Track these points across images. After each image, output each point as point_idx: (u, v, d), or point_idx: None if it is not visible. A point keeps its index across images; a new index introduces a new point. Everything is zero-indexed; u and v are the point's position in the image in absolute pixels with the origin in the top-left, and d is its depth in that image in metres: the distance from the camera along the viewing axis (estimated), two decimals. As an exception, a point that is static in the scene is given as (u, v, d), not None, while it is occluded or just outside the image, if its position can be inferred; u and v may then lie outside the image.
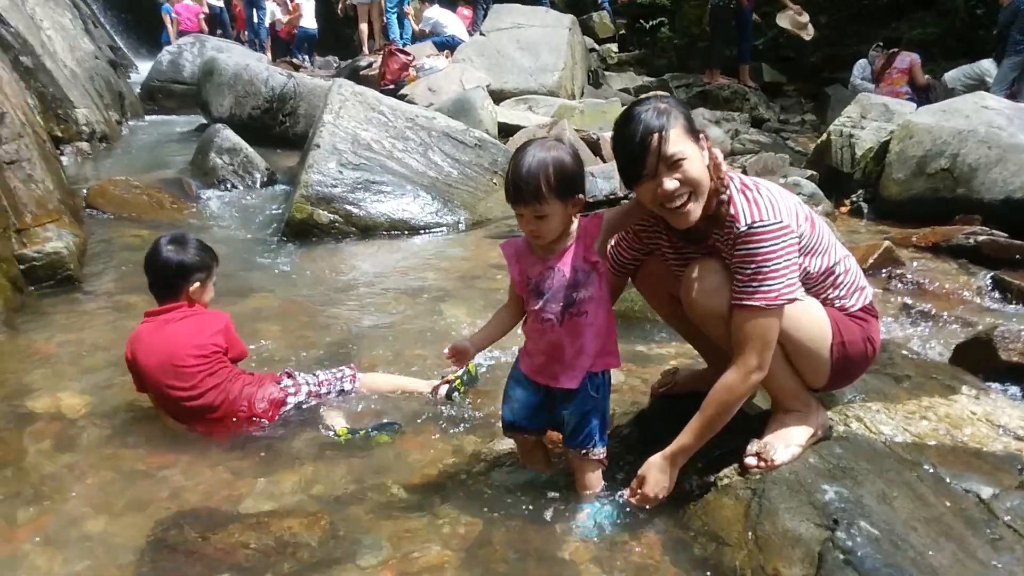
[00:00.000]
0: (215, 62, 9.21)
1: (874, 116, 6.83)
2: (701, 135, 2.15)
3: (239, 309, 3.86)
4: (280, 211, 6.05)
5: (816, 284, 2.29)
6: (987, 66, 10.15)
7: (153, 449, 2.78)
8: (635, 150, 2.07)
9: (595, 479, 2.41)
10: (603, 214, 2.34)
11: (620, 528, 2.28)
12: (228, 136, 7.30)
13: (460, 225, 5.96)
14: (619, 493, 2.35)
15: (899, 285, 4.76)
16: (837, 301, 2.32)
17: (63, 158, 7.41)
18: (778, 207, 2.11)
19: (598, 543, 2.22)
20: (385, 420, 2.90)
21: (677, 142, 2.07)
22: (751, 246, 2.09)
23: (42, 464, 2.66)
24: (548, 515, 2.34)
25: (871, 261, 4.98)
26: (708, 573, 2.09)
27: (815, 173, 6.75)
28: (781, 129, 10.41)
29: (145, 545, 2.24)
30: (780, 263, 2.09)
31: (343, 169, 5.76)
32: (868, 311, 2.37)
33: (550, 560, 2.16)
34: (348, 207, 5.69)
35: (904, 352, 3.45)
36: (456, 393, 3.03)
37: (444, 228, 5.89)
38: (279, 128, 8.84)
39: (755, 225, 2.08)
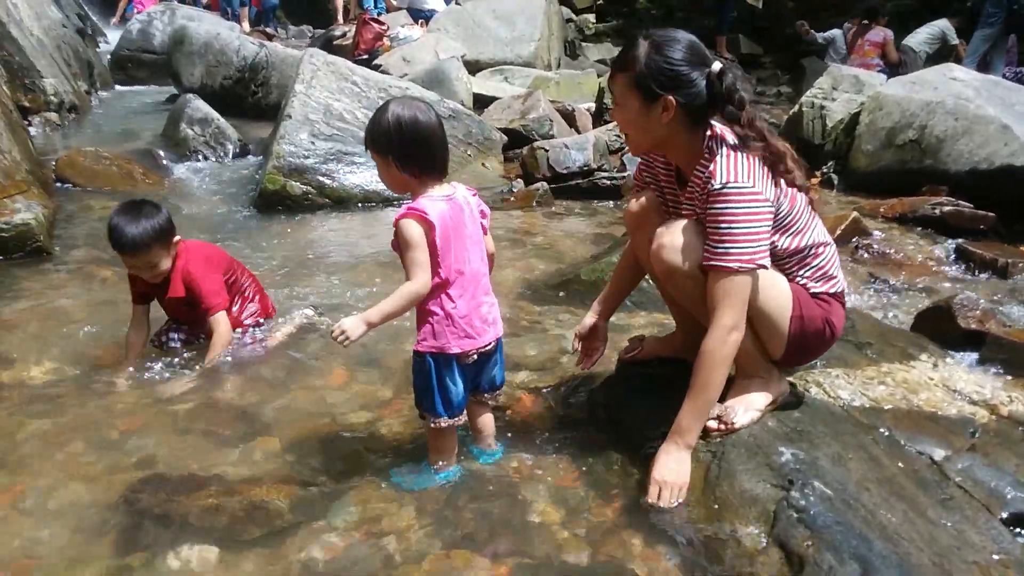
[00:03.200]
0: (185, 31, 9.07)
1: (845, 88, 6.88)
2: (662, 96, 2.16)
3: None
4: (253, 183, 6.02)
5: (782, 261, 2.31)
6: (944, 25, 10.37)
7: (124, 416, 2.79)
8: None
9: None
10: None
11: (587, 494, 2.33)
12: (199, 107, 7.22)
13: (434, 196, 5.94)
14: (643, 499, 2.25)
15: (865, 255, 4.85)
16: (801, 280, 2.35)
17: (31, 128, 7.28)
18: (755, 175, 2.14)
19: (566, 506, 2.28)
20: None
21: (619, 88, 2.24)
22: (721, 205, 2.13)
23: (13, 432, 2.66)
24: (516, 479, 2.40)
25: (839, 232, 5.05)
26: (669, 532, 2.15)
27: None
28: (757, 101, 10.48)
29: (118, 509, 2.26)
30: (751, 227, 2.13)
31: (315, 140, 5.74)
32: (835, 297, 2.40)
33: (519, 522, 2.22)
34: (321, 178, 5.68)
35: (866, 319, 3.55)
36: None
37: (417, 199, 5.86)
38: (251, 99, 8.74)
39: (728, 185, 2.12)
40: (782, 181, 2.22)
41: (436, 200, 2.19)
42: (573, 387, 2.89)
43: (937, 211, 5.32)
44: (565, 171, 6.15)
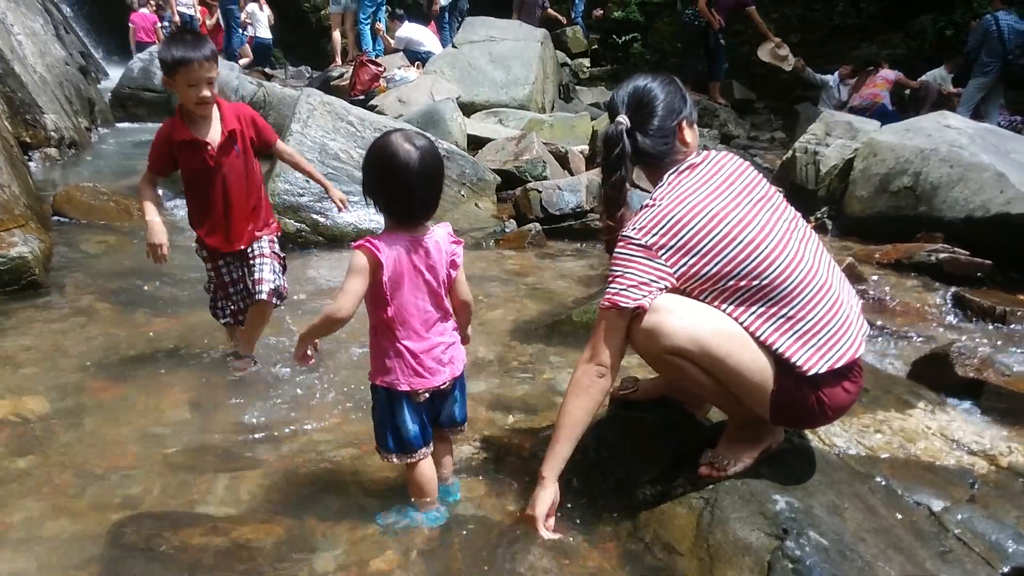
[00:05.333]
0: (186, 69, 9.14)
1: (839, 134, 6.95)
2: None
3: (200, 319, 3.83)
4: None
5: (752, 328, 2.16)
6: (939, 73, 10.61)
7: (113, 451, 2.76)
8: None
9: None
10: None
11: (577, 541, 2.30)
12: (198, 144, 7.25)
13: (427, 236, 5.95)
14: None
15: (860, 300, 4.84)
16: (782, 348, 2.14)
17: (31, 163, 7.33)
18: (647, 226, 2.16)
19: (553, 556, 2.24)
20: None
21: None
22: (616, 247, 2.22)
23: (2, 466, 2.63)
24: (498, 528, 2.36)
25: (833, 277, 5.06)
26: (662, 581, 2.11)
27: (780, 190, 6.83)
28: (750, 146, 10.56)
29: (103, 545, 2.22)
30: (622, 271, 2.18)
31: (310, 179, 5.76)
32: (839, 375, 2.19)
33: (506, 570, 2.17)
34: (315, 216, 5.69)
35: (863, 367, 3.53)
36: None
37: (412, 238, 5.88)
38: (251, 136, 8.78)
39: (623, 233, 2.21)
40: (758, 247, 2.13)
41: (398, 239, 2.19)
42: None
43: (933, 258, 5.32)
44: (558, 212, 6.17)
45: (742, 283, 2.14)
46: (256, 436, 2.88)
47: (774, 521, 2.15)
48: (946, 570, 2.13)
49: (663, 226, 2.14)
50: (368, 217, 5.76)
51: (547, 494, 2.23)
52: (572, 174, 7.71)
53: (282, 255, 3.52)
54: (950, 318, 4.62)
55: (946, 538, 2.27)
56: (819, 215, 6.64)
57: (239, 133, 3.29)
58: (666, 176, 2.27)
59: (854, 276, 5.15)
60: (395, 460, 2.30)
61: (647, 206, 2.21)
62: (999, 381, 3.37)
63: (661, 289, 2.16)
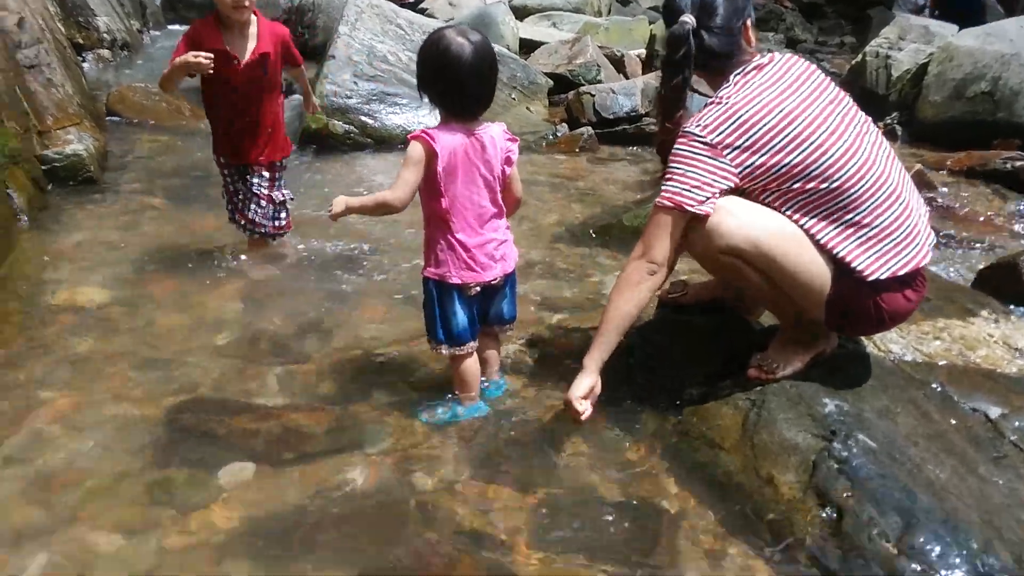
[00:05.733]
0: (235, -29, 9.01)
1: (913, 38, 6.58)
2: None
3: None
4: (297, 121, 6.01)
5: (814, 231, 2.10)
6: None
7: (169, 340, 2.84)
8: None
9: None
10: None
11: (620, 435, 2.30)
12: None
13: (477, 139, 5.87)
14: None
15: (929, 209, 4.66)
16: (844, 252, 2.08)
17: (84, 64, 7.35)
18: (716, 123, 2.05)
19: (596, 447, 2.25)
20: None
21: None
22: (676, 143, 2.11)
23: (63, 351, 2.72)
24: (543, 419, 2.38)
25: (899, 185, 4.88)
26: (703, 476, 2.11)
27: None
28: (817, 50, 10.08)
29: (160, 428, 2.31)
30: (683, 169, 2.07)
31: (358, 80, 5.69)
32: (900, 282, 2.13)
33: (549, 460, 2.20)
34: (363, 118, 5.63)
35: (926, 274, 3.42)
36: None
37: (461, 142, 5.81)
38: (298, 41, 8.67)
39: (685, 129, 2.10)
40: (830, 149, 2.04)
41: (454, 132, 2.16)
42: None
43: (1009, 165, 5.08)
44: (611, 116, 5.99)
45: (809, 185, 2.06)
46: (307, 329, 2.93)
47: (822, 423, 2.11)
48: (999, 474, 2.07)
49: (731, 124, 2.04)
50: (416, 119, 5.68)
51: (586, 379, 2.18)
52: (627, 78, 7.49)
53: (284, 192, 3.52)
54: (1021, 227, 4.42)
55: (1002, 444, 2.21)
56: (889, 120, 6.37)
57: (270, 56, 3.23)
58: (732, 77, 2.15)
59: (923, 183, 4.95)
60: (444, 351, 2.32)
61: (713, 104, 2.10)
62: (1069, 293, 3.25)
63: (723, 190, 2.07)
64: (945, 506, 1.86)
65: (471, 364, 2.37)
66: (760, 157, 2.05)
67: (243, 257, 3.52)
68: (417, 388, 2.54)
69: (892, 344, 2.62)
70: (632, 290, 2.17)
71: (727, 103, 2.07)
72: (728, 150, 2.05)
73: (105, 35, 8.02)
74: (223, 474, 2.11)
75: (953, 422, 2.27)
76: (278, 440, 2.22)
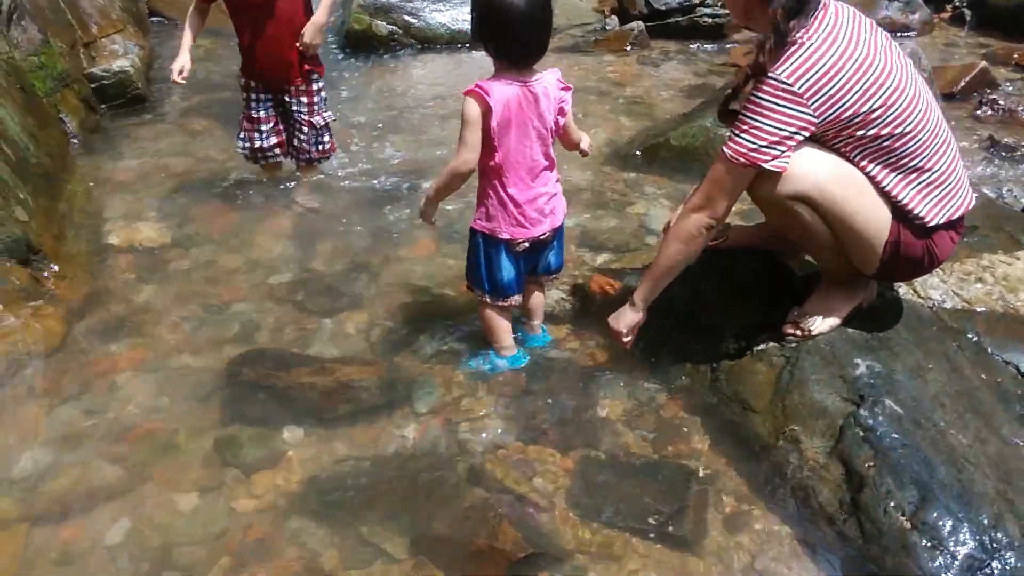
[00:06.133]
0: None
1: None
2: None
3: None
4: (340, 20, 5.91)
5: (881, 182, 2.11)
6: None
7: (226, 283, 2.99)
8: None
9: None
10: None
11: (655, 390, 2.42)
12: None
13: (522, 36, 5.72)
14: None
15: (988, 111, 4.50)
16: (907, 201, 2.09)
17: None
18: (804, 75, 1.97)
19: (632, 404, 2.37)
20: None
21: None
22: (753, 92, 2.03)
23: (129, 297, 2.90)
24: (582, 373, 2.50)
25: (963, 84, 4.72)
26: (734, 436, 2.22)
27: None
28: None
29: (224, 380, 2.48)
30: (761, 122, 2.01)
31: (402, -24, 5.55)
32: (947, 226, 2.16)
33: (587, 417, 2.33)
34: (407, 17, 5.52)
35: (978, 198, 3.35)
36: None
37: (506, 40, 5.67)
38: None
39: (769, 75, 1.99)
40: (899, 96, 2.02)
41: (508, 84, 2.14)
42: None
43: (1082, 62, 4.82)
44: (663, 7, 5.76)
45: (882, 132, 2.03)
46: (355, 269, 3.04)
47: (853, 386, 2.18)
48: (1021, 435, 2.14)
49: (817, 71, 1.97)
50: (461, 17, 5.56)
51: (632, 314, 2.32)
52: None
53: (325, 115, 3.53)
54: (1085, 136, 4.25)
55: (1031, 402, 2.26)
56: (957, 3, 6.00)
57: None
58: (809, 18, 2.03)
59: (985, 81, 4.75)
60: (487, 300, 2.41)
61: (796, 46, 2.00)
62: (1124, 216, 3.17)
63: (801, 142, 2.04)
64: (962, 477, 1.94)
65: (505, 318, 2.47)
66: (840, 106, 2.00)
67: (292, 185, 3.61)
68: (461, 337, 2.65)
69: (932, 290, 2.63)
70: (689, 243, 2.21)
71: (810, 47, 1.98)
72: (813, 99, 1.99)
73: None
74: (284, 432, 2.28)
75: (984, 377, 2.32)
76: (333, 396, 2.38)
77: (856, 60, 1.99)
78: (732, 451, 2.20)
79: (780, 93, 1.99)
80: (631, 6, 5.89)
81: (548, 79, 2.22)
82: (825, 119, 2.02)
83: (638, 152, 3.87)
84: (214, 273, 3.05)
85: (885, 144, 2.05)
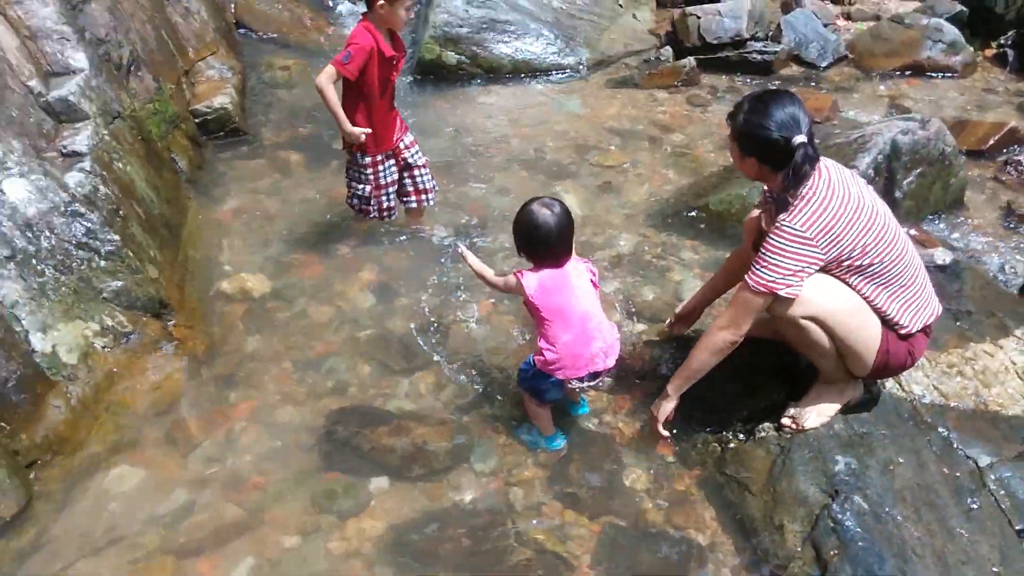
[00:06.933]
0: None
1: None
2: (749, 159, 2.58)
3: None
4: (408, 42, 6.34)
5: (873, 301, 2.63)
6: None
7: (320, 335, 3.57)
8: None
9: None
10: None
11: (672, 463, 2.96)
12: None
13: (581, 67, 6.15)
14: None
15: (1012, 173, 4.79)
16: (893, 314, 2.63)
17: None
18: (819, 224, 2.48)
19: (653, 475, 2.91)
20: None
21: (729, 136, 2.65)
22: (772, 236, 2.55)
23: (240, 347, 3.49)
24: (614, 444, 3.04)
25: (992, 142, 5.00)
26: (733, 514, 2.75)
27: (964, 9, 6.32)
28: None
29: (320, 435, 3.07)
30: (779, 260, 2.52)
31: (468, 7, 5.95)
32: (923, 331, 2.71)
33: (614, 485, 2.88)
34: (474, 48, 5.94)
35: (977, 277, 3.74)
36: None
37: (566, 70, 6.11)
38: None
39: (783, 222, 2.52)
40: (884, 233, 2.54)
41: (540, 272, 2.72)
42: (677, 350, 3.38)
43: (1107, 121, 5.05)
44: (715, 41, 6.07)
45: (874, 260, 2.56)
46: (426, 329, 3.59)
47: (831, 480, 2.70)
48: (967, 527, 2.62)
49: (823, 219, 2.49)
50: (524, 47, 5.98)
51: (669, 405, 2.91)
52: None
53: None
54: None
55: (980, 495, 2.72)
56: (1003, 41, 6.18)
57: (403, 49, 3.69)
58: (811, 179, 2.53)
59: (1015, 140, 5.03)
60: (531, 403, 2.97)
61: (804, 201, 2.51)
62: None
63: (811, 274, 2.56)
64: (907, 568, 2.45)
65: (546, 406, 3.00)
66: (842, 245, 2.52)
67: (369, 239, 4.15)
68: (516, 402, 3.19)
69: (915, 384, 3.09)
70: (718, 355, 2.77)
71: (816, 200, 2.50)
72: (822, 241, 2.51)
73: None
74: (370, 485, 2.88)
75: (945, 471, 2.79)
76: (410, 457, 2.96)
77: (851, 208, 2.51)
78: (731, 525, 2.73)
79: (794, 239, 2.51)
80: (686, 38, 6.20)
81: (572, 262, 2.78)
82: (830, 255, 2.53)
83: (680, 213, 4.31)
84: (309, 324, 3.63)
85: (875, 270, 2.58)
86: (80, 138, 3.42)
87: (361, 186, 3.90)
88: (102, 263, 3.18)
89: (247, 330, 3.60)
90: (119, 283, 3.22)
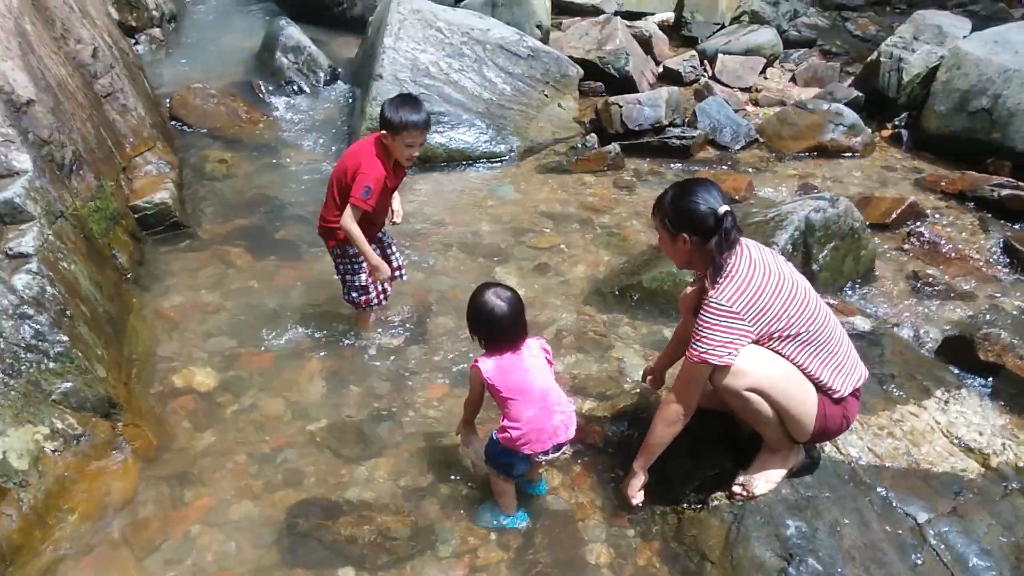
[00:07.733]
0: (272, -62, 9.23)
1: (927, 38, 6.82)
2: (680, 236, 2.77)
3: (316, 267, 4.53)
4: (345, 117, 6.49)
5: (806, 368, 2.80)
6: None
7: (272, 428, 3.56)
8: None
9: None
10: None
11: (632, 536, 3.04)
12: (292, 34, 7.60)
13: (512, 154, 6.42)
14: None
15: (915, 243, 5.18)
16: (826, 380, 2.81)
17: (138, 47, 7.83)
18: (744, 299, 2.67)
19: (616, 548, 2.99)
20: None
21: (655, 224, 2.89)
22: (703, 312, 2.73)
23: (192, 444, 3.45)
24: (574, 521, 3.12)
25: (894, 216, 5.39)
26: (694, 584, 2.85)
27: (860, 94, 6.89)
28: (844, 6, 10.16)
29: (280, 530, 3.04)
30: (709, 333, 2.70)
31: (404, 100, 6.16)
32: (853, 394, 2.89)
33: (578, 563, 2.94)
34: (409, 138, 6.13)
35: (897, 343, 4.01)
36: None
37: (498, 158, 6.36)
38: (336, 9, 9.02)
39: (711, 299, 2.70)
40: (805, 303, 2.74)
41: (494, 357, 2.87)
42: (627, 425, 3.51)
43: (996, 194, 5.53)
44: (637, 128, 6.44)
45: (801, 330, 2.75)
46: (380, 416, 3.63)
47: (784, 544, 2.82)
48: (913, 583, 2.78)
49: (748, 294, 2.68)
50: (458, 136, 6.21)
51: (638, 482, 3.06)
52: (656, 60, 7.93)
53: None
54: (998, 268, 4.97)
55: (923, 550, 2.87)
56: (897, 122, 6.73)
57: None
58: (734, 257, 2.74)
59: (913, 214, 5.45)
60: (498, 479, 3.04)
61: (729, 278, 2.70)
62: (1016, 366, 3.86)
63: (743, 345, 2.72)
64: (859, 628, 2.58)
65: (512, 488, 3.08)
66: (768, 318, 2.70)
67: (317, 327, 4.20)
68: (474, 484, 3.24)
69: (851, 447, 3.27)
70: (671, 427, 2.92)
71: (740, 277, 2.69)
72: (748, 314, 2.68)
73: (155, 12, 8.40)
74: (337, 577, 2.87)
75: (888, 529, 2.95)
76: (373, 545, 2.96)
77: (773, 283, 2.72)
78: (691, 597, 2.83)
79: (722, 314, 2.69)
80: (609, 125, 6.56)
81: (527, 342, 2.94)
82: (759, 328, 2.71)
83: (615, 291, 4.49)
84: (260, 416, 3.62)
85: (803, 339, 2.76)
86: (26, 239, 3.40)
87: (358, 276, 3.98)
88: (51, 364, 3.13)
89: (197, 426, 3.56)
90: (68, 384, 3.16)
